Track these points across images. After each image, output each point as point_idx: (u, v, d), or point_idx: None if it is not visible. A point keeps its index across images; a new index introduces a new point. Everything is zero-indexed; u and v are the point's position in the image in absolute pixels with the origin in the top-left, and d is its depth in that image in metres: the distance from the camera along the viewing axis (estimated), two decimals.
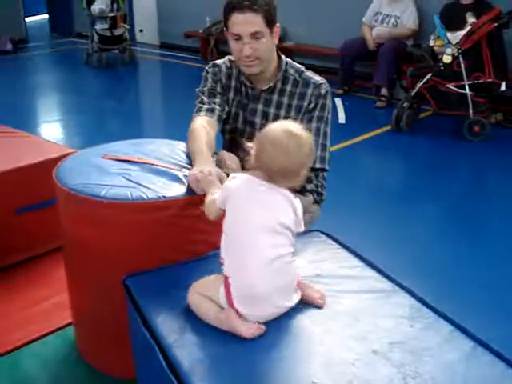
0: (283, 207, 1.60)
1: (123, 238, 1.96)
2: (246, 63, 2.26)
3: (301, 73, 2.38)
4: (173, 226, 1.95)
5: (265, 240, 1.56)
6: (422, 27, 6.33)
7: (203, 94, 2.40)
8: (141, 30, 10.35)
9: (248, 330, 1.53)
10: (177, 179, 2.03)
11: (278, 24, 2.27)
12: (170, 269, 1.88)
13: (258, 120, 2.42)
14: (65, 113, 6.74)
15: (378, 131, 5.48)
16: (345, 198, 3.92)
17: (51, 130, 6.06)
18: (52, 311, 2.63)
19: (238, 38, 2.20)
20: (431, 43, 5.53)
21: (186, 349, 1.51)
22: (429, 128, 5.62)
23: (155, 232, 1.95)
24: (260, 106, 2.41)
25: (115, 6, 8.62)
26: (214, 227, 2.09)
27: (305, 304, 1.66)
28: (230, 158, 2.11)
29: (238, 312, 1.56)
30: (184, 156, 2.23)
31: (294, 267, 1.62)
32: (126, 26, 8.66)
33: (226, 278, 1.58)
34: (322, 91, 2.33)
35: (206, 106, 2.36)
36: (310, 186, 2.49)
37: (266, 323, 1.57)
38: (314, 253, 1.96)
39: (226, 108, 2.42)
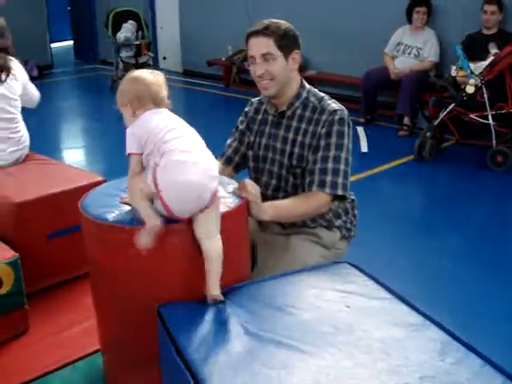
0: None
1: (149, 264, 1.97)
2: (262, 84, 2.39)
3: (320, 100, 2.43)
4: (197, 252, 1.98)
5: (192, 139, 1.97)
6: (444, 57, 6.38)
7: (231, 133, 2.66)
8: (164, 58, 10.50)
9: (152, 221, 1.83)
10: None
11: (297, 51, 2.38)
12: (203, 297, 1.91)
13: (278, 145, 2.47)
14: (89, 139, 6.83)
15: (401, 160, 5.50)
16: (367, 227, 3.90)
17: (76, 155, 6.16)
18: (81, 337, 2.66)
19: (253, 60, 2.36)
20: (453, 73, 5.55)
21: (219, 380, 1.53)
22: (451, 157, 5.63)
23: (181, 258, 1.97)
24: (281, 132, 2.46)
25: (140, 34, 8.78)
26: (241, 256, 2.14)
27: (336, 337, 1.69)
28: (252, 185, 2.15)
29: (158, 188, 1.84)
30: None
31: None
32: (150, 53, 8.81)
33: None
34: (336, 117, 2.35)
35: (224, 150, 2.65)
36: (338, 222, 2.51)
37: (295, 356, 1.59)
38: (342, 285, 1.98)
39: (242, 148, 2.61)
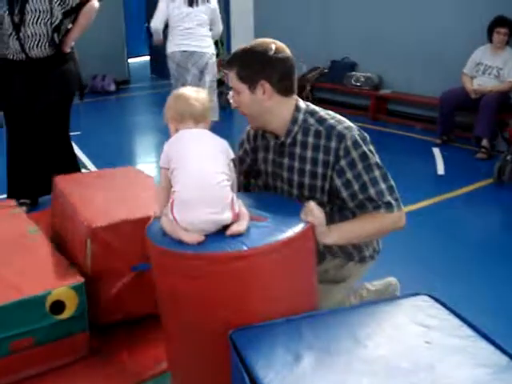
0: (212, 140, 2.14)
1: (216, 289, 1.95)
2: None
3: (322, 121, 2.24)
4: (258, 275, 1.94)
5: (205, 164, 2.02)
6: None
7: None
8: None
9: (189, 238, 1.91)
10: (263, 229, 2.02)
11: (263, 81, 2.17)
12: (277, 325, 1.87)
13: (285, 174, 2.35)
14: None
15: (479, 184, 5.31)
16: (443, 254, 3.81)
17: (149, 170, 6.22)
18: (150, 357, 2.65)
19: None
20: None
21: None
22: None
23: (242, 282, 1.94)
24: (285, 160, 2.33)
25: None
26: (309, 281, 2.08)
27: (415, 374, 1.61)
28: (318, 208, 2.09)
29: (175, 219, 1.95)
30: (264, 205, 2.22)
31: (226, 189, 2.01)
32: (224, 70, 8.89)
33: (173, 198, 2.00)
34: (348, 142, 2.17)
35: None
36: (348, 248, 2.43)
37: None
38: (421, 318, 1.90)
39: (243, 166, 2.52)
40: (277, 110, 2.25)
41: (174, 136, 2.16)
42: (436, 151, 6.18)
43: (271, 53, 2.19)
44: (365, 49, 7.99)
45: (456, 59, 6.59)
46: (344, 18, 8.18)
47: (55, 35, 4.21)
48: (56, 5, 4.15)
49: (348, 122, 2.27)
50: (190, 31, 6.33)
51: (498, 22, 6.19)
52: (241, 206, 2.04)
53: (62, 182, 3.41)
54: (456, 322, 1.89)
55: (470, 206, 4.99)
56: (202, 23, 6.39)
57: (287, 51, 2.24)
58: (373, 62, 7.95)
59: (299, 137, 2.27)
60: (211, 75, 6.66)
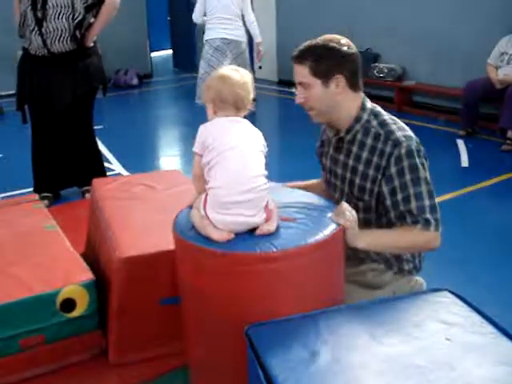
0: (254, 133, 2.04)
1: (239, 288, 1.93)
2: (308, 112, 2.27)
3: (384, 125, 2.22)
4: (286, 277, 1.92)
5: (246, 166, 1.93)
6: None
7: None
8: (260, 67, 10.55)
9: (219, 236, 1.89)
10: (293, 230, 1.99)
11: (338, 75, 2.18)
12: (293, 321, 1.84)
13: (339, 171, 2.34)
14: (186, 146, 6.93)
15: (504, 177, 5.23)
16: (466, 249, 3.75)
17: (172, 163, 6.25)
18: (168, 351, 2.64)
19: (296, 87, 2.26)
20: None
21: None
22: None
23: (269, 283, 1.92)
24: (341, 157, 2.33)
25: None
26: (336, 284, 2.06)
27: (433, 372, 1.58)
28: (350, 210, 2.05)
29: (208, 217, 1.92)
30: (297, 205, 2.19)
31: (263, 193, 1.96)
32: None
33: (207, 192, 1.95)
34: (403, 151, 2.14)
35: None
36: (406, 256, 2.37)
37: None
38: (442, 315, 1.86)
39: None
40: (345, 104, 2.25)
41: (211, 122, 2.06)
42: (460, 143, 6.10)
43: (345, 48, 2.20)
44: (388, 40, 7.92)
45: (480, 49, 6.50)
46: (367, 8, 8.11)
47: (77, 30, 4.22)
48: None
49: (409, 132, 2.23)
50: (228, 21, 6.95)
51: None
52: (273, 206, 2.01)
53: (100, 187, 3.20)
54: (477, 318, 1.85)
55: (494, 199, 4.92)
56: (235, 14, 7.01)
57: (355, 47, 2.25)
58: (396, 54, 7.87)
59: (359, 136, 2.26)
60: (245, 61, 7.12)
